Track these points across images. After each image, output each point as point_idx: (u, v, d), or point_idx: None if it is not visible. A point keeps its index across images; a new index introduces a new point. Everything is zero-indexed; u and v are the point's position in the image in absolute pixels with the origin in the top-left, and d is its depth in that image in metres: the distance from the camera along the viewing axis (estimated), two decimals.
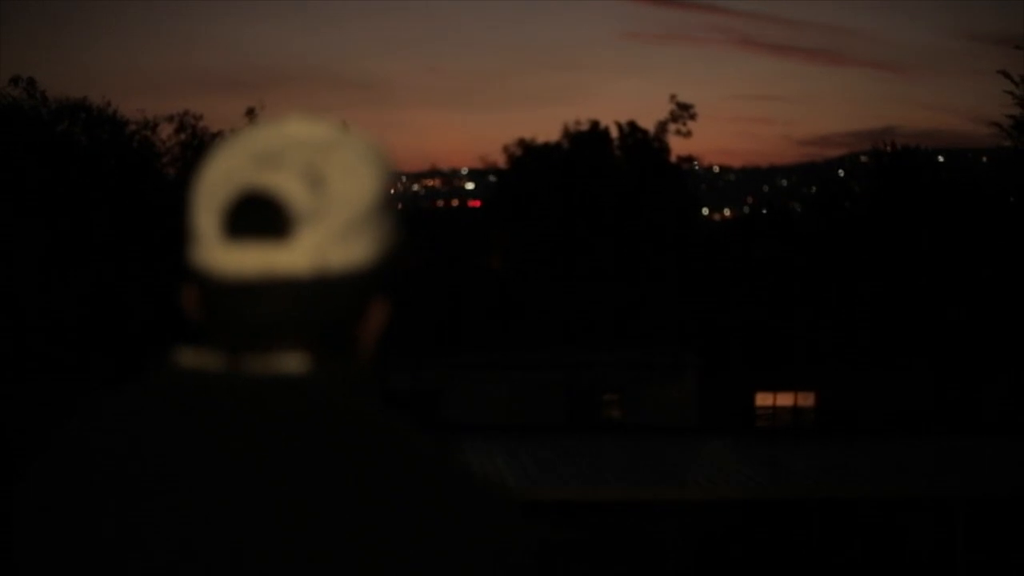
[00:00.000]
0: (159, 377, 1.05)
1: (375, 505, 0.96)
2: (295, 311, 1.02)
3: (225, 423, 0.99)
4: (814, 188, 40.22)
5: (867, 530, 14.86)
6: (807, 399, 23.88)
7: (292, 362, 1.02)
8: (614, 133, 37.42)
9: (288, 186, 1.01)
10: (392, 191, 1.10)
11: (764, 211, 38.79)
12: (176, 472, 0.99)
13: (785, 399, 23.95)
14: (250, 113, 25.42)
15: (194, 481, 0.98)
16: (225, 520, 0.96)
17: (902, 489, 14.34)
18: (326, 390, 1.02)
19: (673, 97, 38.48)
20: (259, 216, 1.01)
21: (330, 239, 1.02)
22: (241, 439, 0.98)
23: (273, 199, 1.01)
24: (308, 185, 1.02)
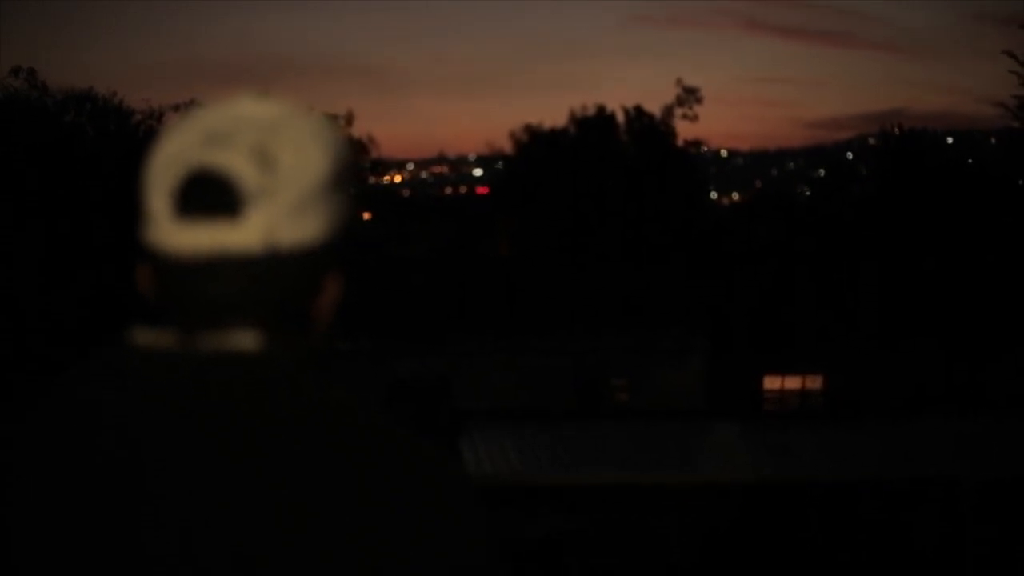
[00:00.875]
0: (122, 359, 1.04)
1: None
2: (247, 289, 1.03)
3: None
4: (822, 171, 40.17)
5: (877, 514, 14.86)
6: (815, 382, 23.86)
7: (246, 339, 1.02)
8: (620, 118, 37.40)
9: (237, 165, 1.02)
10: (345, 168, 1.10)
11: (772, 193, 38.77)
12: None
13: (793, 382, 23.93)
14: None
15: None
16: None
17: (911, 471, 14.35)
18: (280, 367, 1.02)
19: (679, 81, 38.37)
20: (209, 195, 1.01)
21: (281, 217, 1.02)
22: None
23: (222, 178, 1.01)
24: (257, 163, 1.02)
